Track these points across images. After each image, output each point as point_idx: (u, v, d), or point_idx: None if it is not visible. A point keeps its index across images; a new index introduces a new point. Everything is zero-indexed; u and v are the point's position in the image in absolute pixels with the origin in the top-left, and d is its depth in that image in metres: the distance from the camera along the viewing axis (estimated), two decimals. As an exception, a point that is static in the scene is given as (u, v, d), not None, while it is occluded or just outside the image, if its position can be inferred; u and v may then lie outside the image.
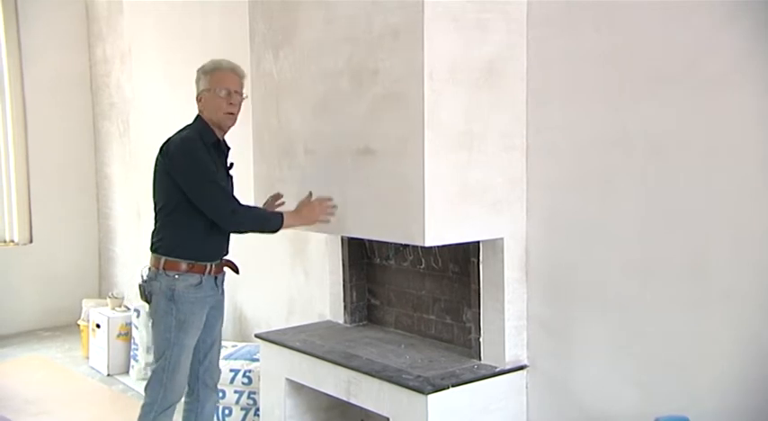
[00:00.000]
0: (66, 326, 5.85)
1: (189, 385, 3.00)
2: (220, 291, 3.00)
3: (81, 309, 5.34)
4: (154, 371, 2.89)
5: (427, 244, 2.65)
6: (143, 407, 2.90)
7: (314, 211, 2.96)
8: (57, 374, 4.95)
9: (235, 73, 2.94)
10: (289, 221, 2.90)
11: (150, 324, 2.96)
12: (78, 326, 5.33)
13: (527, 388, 2.94)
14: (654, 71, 2.49)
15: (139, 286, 2.93)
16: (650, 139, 2.52)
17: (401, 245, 3.32)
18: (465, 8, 2.66)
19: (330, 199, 2.97)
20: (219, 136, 2.93)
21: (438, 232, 2.66)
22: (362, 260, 3.59)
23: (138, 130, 5.62)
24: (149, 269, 2.90)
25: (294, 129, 3.17)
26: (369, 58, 2.77)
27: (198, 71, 2.95)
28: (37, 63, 5.99)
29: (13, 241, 6.06)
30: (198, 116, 2.93)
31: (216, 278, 2.95)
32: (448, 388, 2.74)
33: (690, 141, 2.43)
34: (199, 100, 2.93)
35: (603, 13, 2.62)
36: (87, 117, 6.29)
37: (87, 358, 5.12)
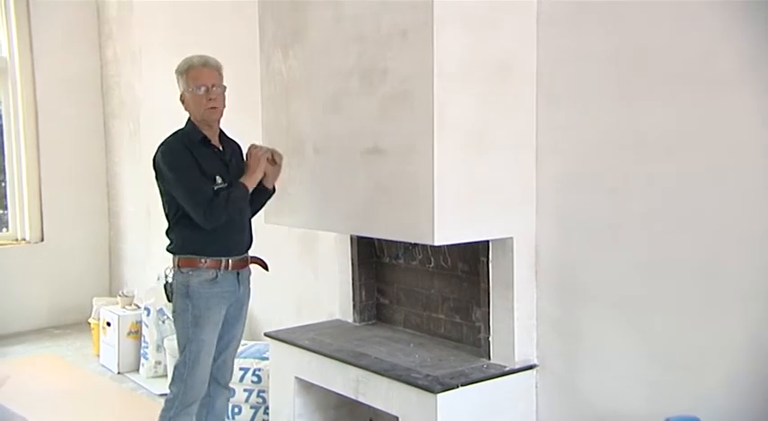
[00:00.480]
0: (76, 325, 5.87)
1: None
2: (242, 288, 3.00)
3: (91, 307, 5.36)
4: (176, 367, 2.92)
5: (437, 243, 2.65)
6: (165, 402, 2.94)
7: (255, 159, 2.92)
8: (67, 372, 4.98)
9: (208, 67, 2.91)
10: (250, 184, 2.89)
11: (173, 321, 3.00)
12: (89, 324, 5.35)
13: (536, 387, 2.94)
14: (665, 70, 2.48)
15: (164, 286, 2.97)
16: (661, 139, 2.51)
17: (410, 244, 3.31)
18: (475, 7, 2.65)
19: (255, 145, 2.97)
20: (209, 132, 2.93)
21: (447, 231, 2.65)
22: (372, 259, 3.59)
23: (148, 130, 5.63)
24: (171, 269, 2.94)
25: (303, 129, 3.17)
26: (378, 58, 2.77)
27: (175, 73, 2.95)
28: (48, 63, 6.01)
29: (24, 239, 6.09)
30: (188, 117, 2.95)
31: (238, 274, 2.95)
32: (457, 387, 2.74)
33: (701, 141, 2.41)
34: (182, 101, 2.94)
35: (614, 12, 2.61)
36: (98, 116, 6.31)
37: (98, 356, 5.13)
